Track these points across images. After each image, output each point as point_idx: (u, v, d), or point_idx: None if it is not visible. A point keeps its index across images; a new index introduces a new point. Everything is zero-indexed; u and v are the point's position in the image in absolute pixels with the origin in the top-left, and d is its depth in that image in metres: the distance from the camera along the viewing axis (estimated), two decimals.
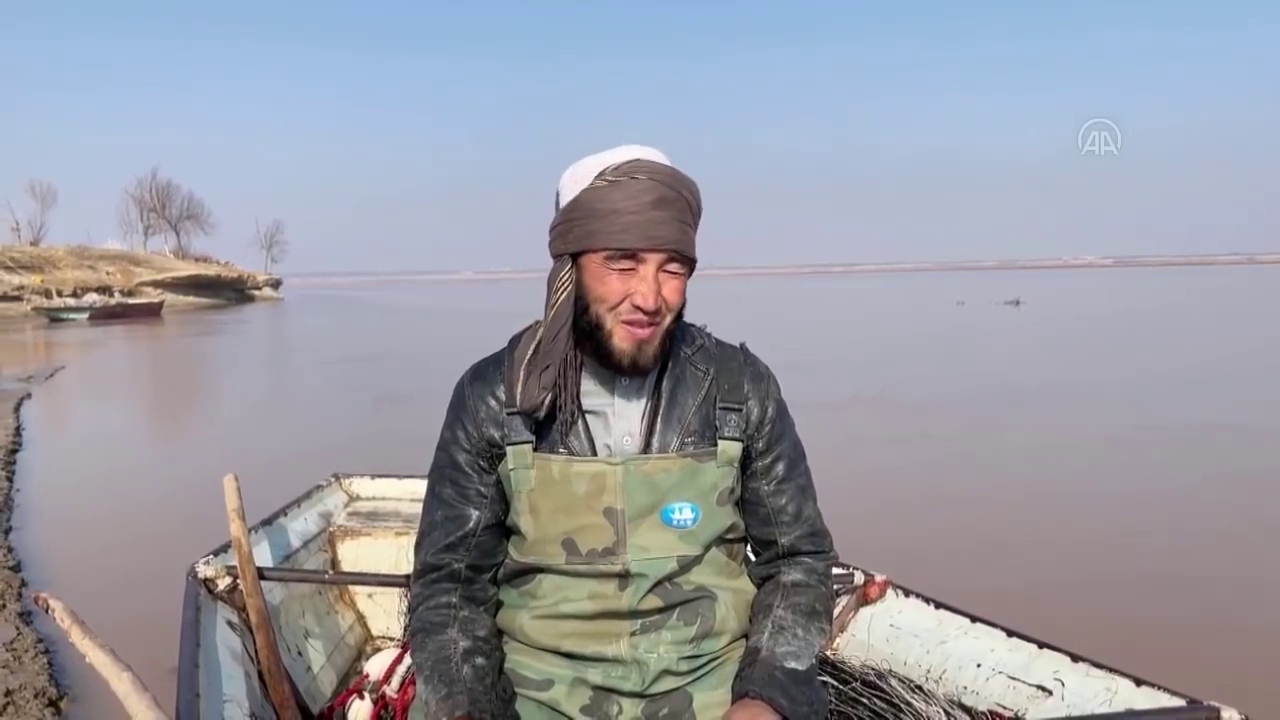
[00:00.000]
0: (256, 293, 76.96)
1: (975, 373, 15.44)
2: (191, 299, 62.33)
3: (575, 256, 1.44)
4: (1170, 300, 44.26)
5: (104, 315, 42.89)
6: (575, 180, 1.45)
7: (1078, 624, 4.03)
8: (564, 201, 1.46)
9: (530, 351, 1.47)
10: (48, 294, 49.29)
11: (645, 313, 1.40)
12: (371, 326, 35.73)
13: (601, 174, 1.41)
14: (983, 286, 73.73)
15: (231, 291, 71.70)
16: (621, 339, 1.43)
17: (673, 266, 1.43)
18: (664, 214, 1.39)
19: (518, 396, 1.48)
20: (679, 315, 1.49)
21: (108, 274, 59.88)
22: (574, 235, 1.43)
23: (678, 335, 1.55)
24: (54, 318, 42.12)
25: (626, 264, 1.40)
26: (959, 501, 6.83)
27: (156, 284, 60.68)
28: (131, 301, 50.08)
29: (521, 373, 1.48)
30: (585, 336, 1.46)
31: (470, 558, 1.54)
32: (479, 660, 1.46)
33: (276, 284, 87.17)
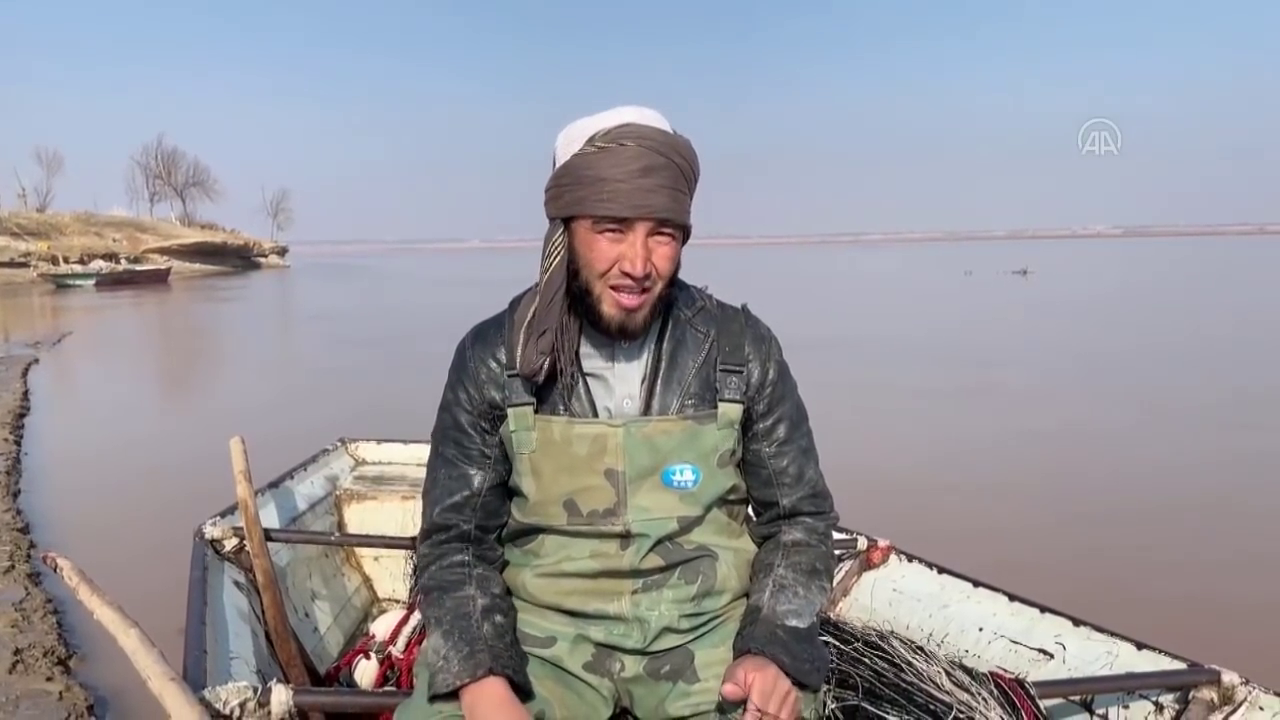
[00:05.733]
0: (263, 260, 76.92)
1: (975, 343, 15.41)
2: (198, 266, 62.30)
3: (567, 221, 1.43)
4: (1179, 272, 44.04)
5: (111, 282, 42.91)
6: (568, 143, 1.43)
7: (1085, 596, 4.04)
8: (558, 164, 1.44)
9: (529, 315, 1.47)
10: (54, 260, 49.28)
11: (633, 278, 1.39)
12: (378, 293, 35.73)
13: (591, 139, 1.39)
14: (991, 256, 73.42)
15: (238, 259, 71.64)
16: (610, 305, 1.42)
17: (663, 233, 1.41)
18: (652, 181, 1.37)
19: (517, 360, 1.47)
20: (672, 281, 1.48)
21: (114, 241, 59.87)
22: (564, 201, 1.41)
23: (678, 297, 1.54)
24: (61, 284, 42.15)
25: (615, 230, 1.39)
26: (953, 472, 6.84)
27: (163, 251, 60.65)
28: (138, 268, 50.07)
29: (521, 336, 1.47)
30: (578, 301, 1.45)
31: (476, 518, 1.54)
32: (498, 618, 1.47)
33: (283, 251, 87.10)
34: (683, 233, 1.45)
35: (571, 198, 1.40)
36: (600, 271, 1.40)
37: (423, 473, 1.64)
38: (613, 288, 1.41)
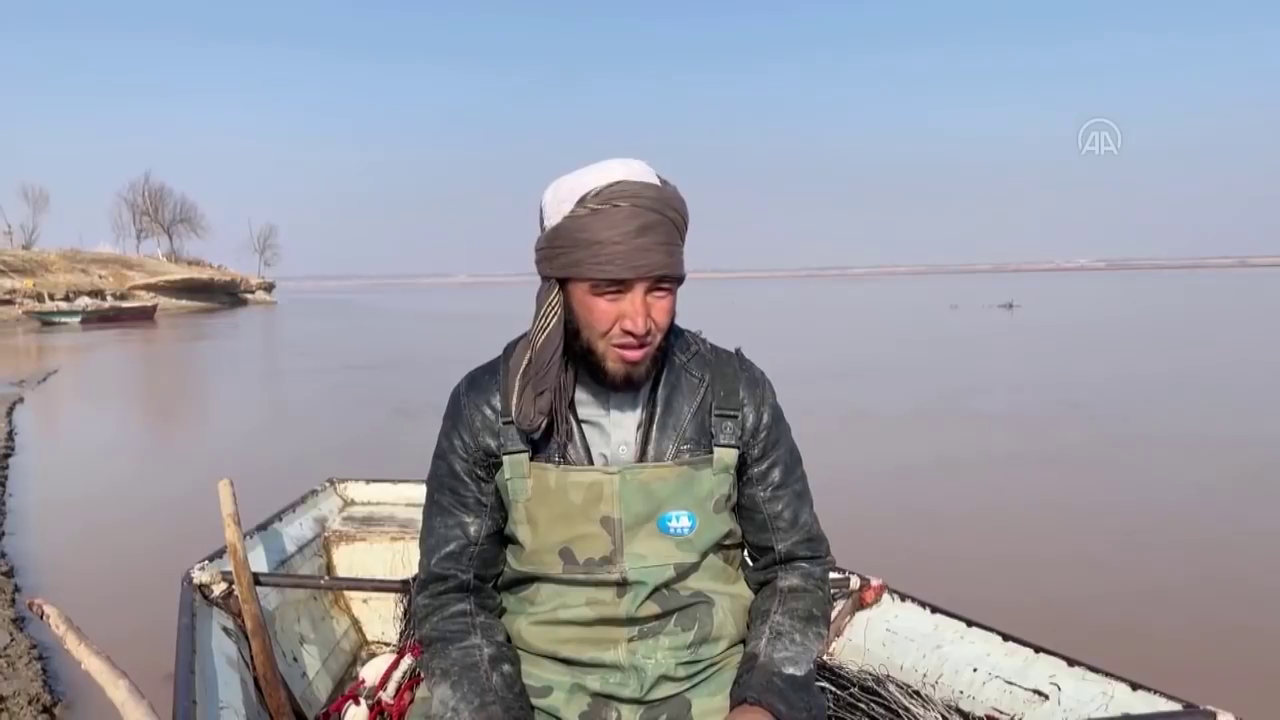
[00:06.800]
0: (250, 296, 76.76)
1: (967, 375, 15.46)
2: (185, 303, 62.15)
3: (562, 281, 1.43)
4: (1162, 305, 44.34)
5: (97, 319, 42.76)
6: (557, 202, 1.41)
7: (1070, 630, 4.03)
8: (547, 222, 1.43)
9: (524, 365, 1.47)
10: (40, 298, 49.13)
11: (635, 336, 1.39)
12: (365, 330, 35.68)
13: (583, 200, 1.38)
14: (976, 290, 73.82)
15: (225, 295, 71.48)
16: (614, 362, 1.42)
17: (661, 288, 1.41)
18: (648, 240, 1.36)
19: (514, 412, 1.47)
20: (670, 330, 1.49)
21: (100, 277, 59.75)
22: (559, 263, 1.40)
23: (673, 342, 1.54)
24: (46, 321, 41.97)
25: (614, 291, 1.38)
26: (948, 508, 6.84)
27: (149, 287, 60.51)
28: (124, 305, 49.93)
29: (516, 385, 1.47)
30: (577, 358, 1.46)
31: (474, 567, 1.54)
32: (505, 667, 1.47)
33: (270, 287, 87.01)
34: (678, 281, 1.45)
35: (567, 260, 1.39)
36: (602, 331, 1.40)
37: (412, 513, 1.64)
38: (616, 345, 1.41)
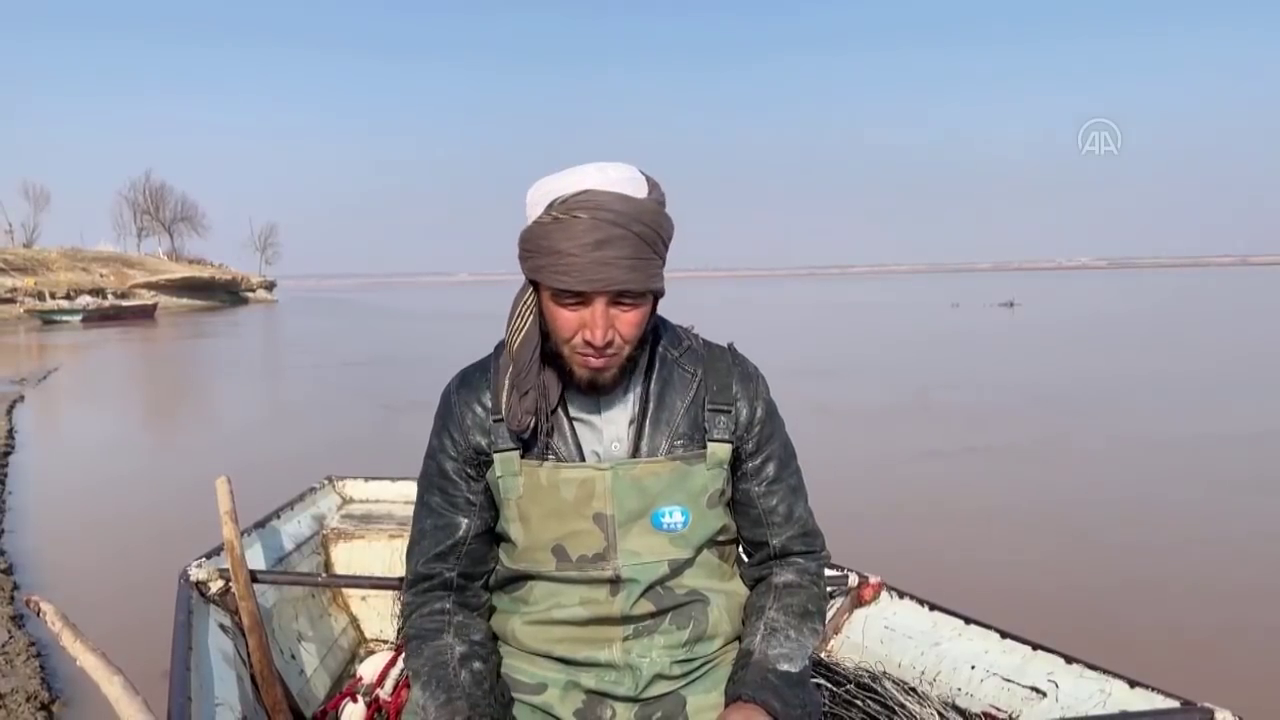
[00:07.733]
0: (251, 295, 76.78)
1: (974, 374, 15.46)
2: (185, 301, 62.19)
3: (535, 283, 1.42)
4: (1163, 304, 44.31)
5: (97, 317, 42.80)
6: (534, 204, 1.40)
7: (1069, 625, 4.02)
8: (526, 222, 1.42)
9: (511, 367, 1.46)
10: (41, 296, 49.18)
11: (594, 347, 1.38)
12: (365, 328, 35.69)
13: (550, 206, 1.36)
14: (977, 289, 73.76)
15: (225, 294, 71.53)
16: (578, 367, 1.42)
17: (624, 302, 1.38)
18: (608, 254, 1.33)
19: (504, 410, 1.47)
20: (643, 340, 1.46)
21: (101, 276, 59.79)
22: (528, 266, 1.40)
23: (663, 337, 1.54)
24: (47, 320, 42.00)
25: (575, 300, 1.37)
26: (953, 505, 6.83)
27: (150, 286, 60.57)
28: (125, 304, 49.97)
29: (506, 382, 1.47)
30: (552, 360, 1.45)
31: (461, 565, 1.53)
32: (476, 665, 1.46)
33: (271, 286, 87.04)
34: (652, 294, 1.42)
35: (533, 265, 1.38)
36: (565, 338, 1.40)
37: (410, 510, 1.64)
38: (579, 353, 1.40)
